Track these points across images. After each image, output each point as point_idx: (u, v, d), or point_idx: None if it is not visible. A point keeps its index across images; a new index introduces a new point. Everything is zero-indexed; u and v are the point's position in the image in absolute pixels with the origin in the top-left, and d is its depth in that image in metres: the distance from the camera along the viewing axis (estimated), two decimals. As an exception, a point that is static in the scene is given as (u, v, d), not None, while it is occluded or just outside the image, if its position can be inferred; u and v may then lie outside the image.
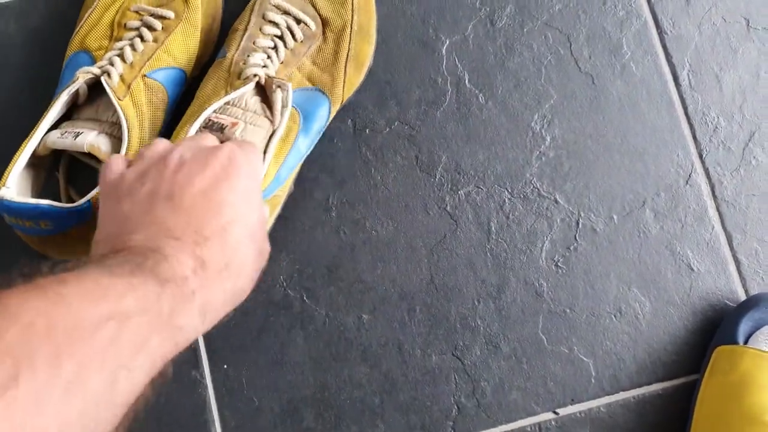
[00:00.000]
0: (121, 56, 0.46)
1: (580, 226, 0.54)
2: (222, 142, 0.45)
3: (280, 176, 0.47)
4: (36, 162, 0.47)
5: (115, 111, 0.45)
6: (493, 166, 0.54)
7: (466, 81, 0.55)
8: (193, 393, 0.51)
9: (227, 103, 0.46)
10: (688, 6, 0.57)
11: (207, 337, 0.51)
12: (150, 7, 0.49)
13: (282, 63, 0.48)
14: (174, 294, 0.28)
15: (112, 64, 0.46)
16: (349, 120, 0.54)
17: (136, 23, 0.49)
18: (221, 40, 0.52)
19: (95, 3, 0.51)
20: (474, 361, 0.51)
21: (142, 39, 0.48)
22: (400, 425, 0.50)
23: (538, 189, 0.54)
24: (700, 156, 0.55)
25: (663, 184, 0.54)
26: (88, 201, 0.43)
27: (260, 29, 0.49)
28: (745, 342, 0.48)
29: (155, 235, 0.30)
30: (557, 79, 0.56)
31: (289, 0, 0.50)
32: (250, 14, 0.50)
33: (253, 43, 0.48)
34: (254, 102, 0.46)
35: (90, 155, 0.46)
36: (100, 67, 0.46)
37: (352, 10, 0.51)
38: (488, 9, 0.57)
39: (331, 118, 0.51)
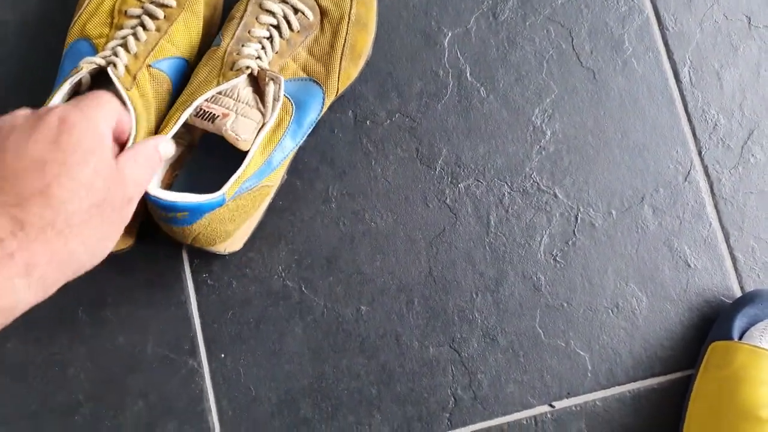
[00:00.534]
0: (125, 46, 0.46)
1: (579, 220, 0.54)
2: (211, 132, 0.45)
3: (271, 165, 0.47)
4: None
5: None
6: (494, 159, 0.54)
7: (468, 74, 0.55)
8: (190, 382, 0.51)
9: (219, 93, 0.46)
10: (690, 2, 0.57)
11: (204, 325, 0.51)
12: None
13: (276, 53, 0.48)
14: None
15: (116, 54, 0.45)
16: (350, 111, 0.54)
17: (137, 11, 0.48)
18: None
19: None
20: (471, 353, 0.52)
21: (144, 28, 0.47)
22: (397, 416, 0.51)
23: (538, 183, 0.54)
24: (700, 153, 0.55)
25: (662, 180, 0.54)
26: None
27: (256, 18, 0.48)
28: (740, 338, 0.49)
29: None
30: (558, 73, 0.56)
31: None
32: (248, 2, 0.49)
33: (248, 33, 0.48)
34: (246, 93, 0.46)
35: None
36: (104, 57, 0.45)
37: (351, 1, 0.50)
38: (491, 2, 0.56)
39: (324, 110, 0.50)
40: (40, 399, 0.50)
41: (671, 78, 0.56)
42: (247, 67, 0.45)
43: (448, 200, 0.54)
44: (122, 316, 0.51)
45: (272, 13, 0.48)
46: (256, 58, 0.46)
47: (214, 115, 0.45)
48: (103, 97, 0.38)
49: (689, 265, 0.53)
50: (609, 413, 0.51)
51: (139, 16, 0.48)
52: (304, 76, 0.49)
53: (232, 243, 0.51)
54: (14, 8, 0.55)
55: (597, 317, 0.52)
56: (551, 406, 0.51)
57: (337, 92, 0.51)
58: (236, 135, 0.44)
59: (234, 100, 0.46)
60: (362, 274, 0.52)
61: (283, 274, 0.52)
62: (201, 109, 0.45)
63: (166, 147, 0.42)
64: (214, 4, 0.52)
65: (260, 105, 0.46)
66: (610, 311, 0.53)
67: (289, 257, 0.53)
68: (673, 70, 0.56)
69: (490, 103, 0.55)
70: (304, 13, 0.49)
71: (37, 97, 0.51)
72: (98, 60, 0.45)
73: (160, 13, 0.48)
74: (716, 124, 0.56)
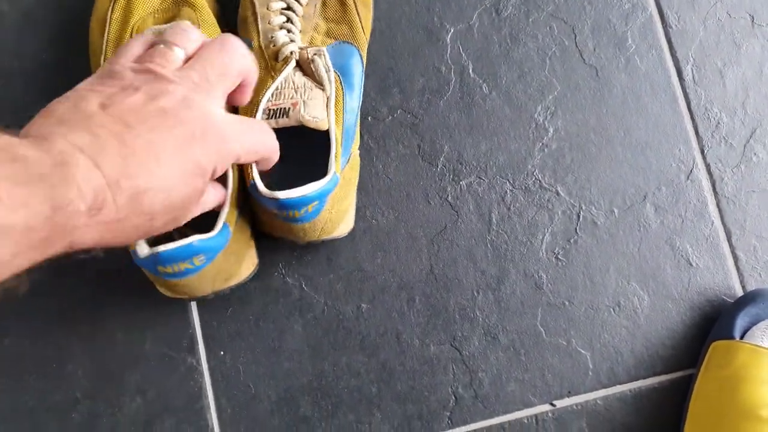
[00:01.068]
0: None
1: (581, 218, 0.53)
2: (287, 127, 0.44)
3: (349, 132, 0.47)
4: None
5: None
6: (496, 156, 0.54)
7: (470, 70, 0.55)
8: (189, 379, 0.50)
9: (276, 89, 0.46)
10: (693, 0, 0.57)
11: (203, 322, 0.51)
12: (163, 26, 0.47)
13: (301, 31, 0.48)
14: (58, 222, 0.26)
15: None
16: (351, 107, 0.54)
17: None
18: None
19: (104, 41, 0.49)
20: (472, 351, 0.51)
21: None
22: (397, 415, 0.50)
23: (540, 181, 0.54)
24: (702, 151, 0.55)
25: (664, 178, 0.54)
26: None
27: (267, 8, 0.48)
28: (742, 337, 0.49)
29: (86, 147, 0.28)
30: (561, 70, 0.55)
31: None
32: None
33: (269, 23, 0.48)
34: (298, 78, 0.46)
35: None
36: None
37: None
38: (493, -2, 0.56)
39: (365, 61, 0.50)
40: (38, 396, 0.50)
41: (674, 75, 0.56)
42: (291, 53, 0.46)
43: (449, 197, 0.53)
44: (121, 313, 0.51)
45: None
46: (291, 42, 0.47)
47: (285, 109, 0.45)
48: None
49: (691, 264, 0.53)
50: (610, 412, 0.51)
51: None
52: (333, 42, 0.49)
53: (347, 222, 0.51)
54: (11, 1, 0.54)
55: (598, 316, 0.52)
56: (552, 404, 0.51)
57: (366, 43, 0.51)
58: (314, 118, 0.44)
59: (293, 89, 0.46)
60: (363, 271, 0.52)
61: (283, 271, 0.52)
62: (269, 110, 0.45)
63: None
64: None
65: (315, 82, 0.46)
66: (611, 310, 0.52)
67: (289, 254, 0.52)
68: (676, 67, 0.56)
69: (492, 99, 0.55)
70: None
71: (29, 91, 0.50)
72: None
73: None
74: (719, 123, 0.55)
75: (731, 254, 0.54)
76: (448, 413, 0.51)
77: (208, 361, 0.51)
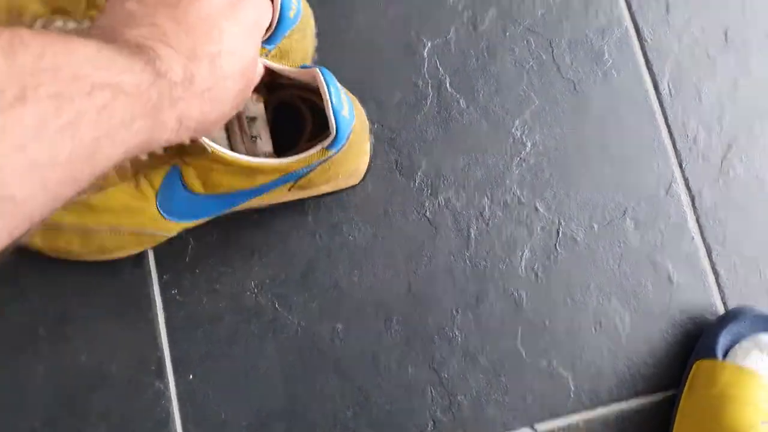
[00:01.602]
0: None
1: (560, 234, 0.53)
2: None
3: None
4: None
5: None
6: (474, 171, 0.53)
7: (448, 85, 0.54)
8: (156, 405, 0.48)
9: None
10: (668, 15, 0.57)
11: (172, 344, 0.49)
12: None
13: None
14: (162, 90, 0.28)
15: None
16: (326, 121, 0.53)
17: None
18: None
19: None
20: (451, 374, 0.50)
21: None
22: (374, 439, 0.49)
23: (519, 196, 0.53)
24: (680, 166, 0.55)
25: (643, 193, 0.54)
26: None
27: None
28: (725, 355, 0.48)
29: (152, 36, 0.30)
30: (539, 84, 0.55)
31: None
32: None
33: None
34: None
35: None
36: None
37: None
38: (471, 12, 0.55)
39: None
40: (-8, 426, 0.47)
41: (651, 90, 0.56)
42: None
43: (427, 213, 0.52)
44: (86, 334, 0.49)
45: None
46: None
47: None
48: None
49: (672, 281, 0.53)
50: (593, 434, 0.50)
51: None
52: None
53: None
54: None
55: (579, 335, 0.51)
56: (533, 428, 0.50)
57: None
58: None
59: None
60: (339, 289, 0.50)
61: (255, 290, 0.50)
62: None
63: None
64: None
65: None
66: (592, 328, 0.51)
67: (263, 272, 0.50)
68: (653, 81, 0.56)
69: (470, 114, 0.54)
70: None
71: None
72: None
73: None
74: (696, 137, 0.55)
75: (712, 270, 0.53)
76: (426, 437, 0.49)
77: (177, 386, 0.49)
